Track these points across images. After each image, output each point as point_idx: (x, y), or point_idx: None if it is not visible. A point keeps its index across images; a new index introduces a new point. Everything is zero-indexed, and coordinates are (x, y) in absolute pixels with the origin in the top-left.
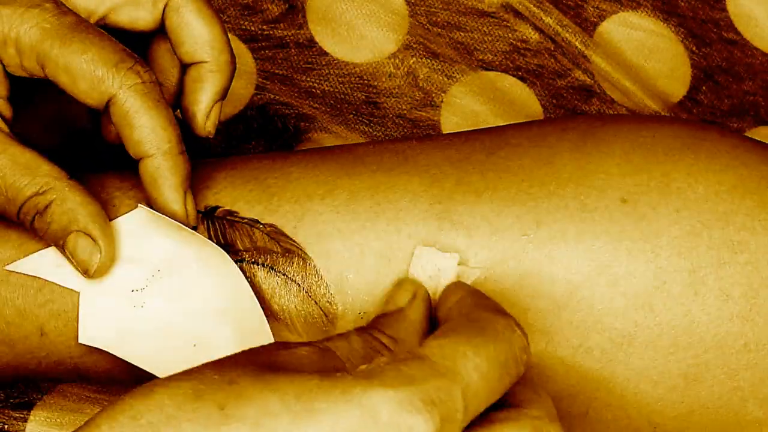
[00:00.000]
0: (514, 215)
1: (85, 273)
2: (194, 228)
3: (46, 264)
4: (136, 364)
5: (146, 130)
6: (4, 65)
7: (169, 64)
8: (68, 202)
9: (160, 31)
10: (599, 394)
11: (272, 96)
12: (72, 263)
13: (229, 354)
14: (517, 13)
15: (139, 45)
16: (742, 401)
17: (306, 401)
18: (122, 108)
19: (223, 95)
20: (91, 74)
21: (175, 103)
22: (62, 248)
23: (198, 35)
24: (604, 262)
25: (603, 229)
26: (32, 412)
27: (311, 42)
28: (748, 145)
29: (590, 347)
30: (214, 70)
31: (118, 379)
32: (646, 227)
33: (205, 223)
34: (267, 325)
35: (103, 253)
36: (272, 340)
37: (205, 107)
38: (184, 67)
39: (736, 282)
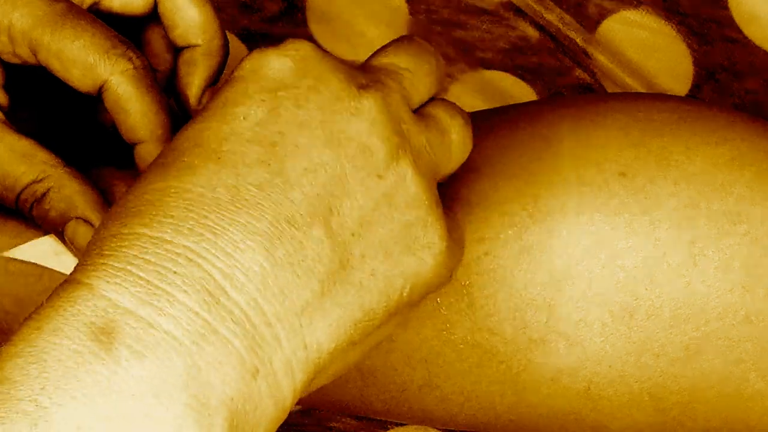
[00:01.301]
0: (513, 190)
1: None
2: None
3: (45, 251)
4: None
5: (139, 116)
6: None
7: (163, 48)
8: (66, 189)
9: (153, 16)
10: (601, 369)
11: None
12: (71, 250)
13: None
14: (518, 11)
15: (133, 30)
16: (743, 373)
17: None
18: (115, 93)
19: (216, 79)
20: (83, 61)
21: (168, 88)
22: (61, 235)
23: (190, 19)
24: (603, 236)
25: (602, 202)
26: None
27: (311, 40)
28: (745, 119)
29: (591, 321)
30: (207, 53)
31: None
32: (644, 200)
33: None
34: None
35: None
36: None
37: (197, 90)
38: (177, 51)
39: (736, 253)
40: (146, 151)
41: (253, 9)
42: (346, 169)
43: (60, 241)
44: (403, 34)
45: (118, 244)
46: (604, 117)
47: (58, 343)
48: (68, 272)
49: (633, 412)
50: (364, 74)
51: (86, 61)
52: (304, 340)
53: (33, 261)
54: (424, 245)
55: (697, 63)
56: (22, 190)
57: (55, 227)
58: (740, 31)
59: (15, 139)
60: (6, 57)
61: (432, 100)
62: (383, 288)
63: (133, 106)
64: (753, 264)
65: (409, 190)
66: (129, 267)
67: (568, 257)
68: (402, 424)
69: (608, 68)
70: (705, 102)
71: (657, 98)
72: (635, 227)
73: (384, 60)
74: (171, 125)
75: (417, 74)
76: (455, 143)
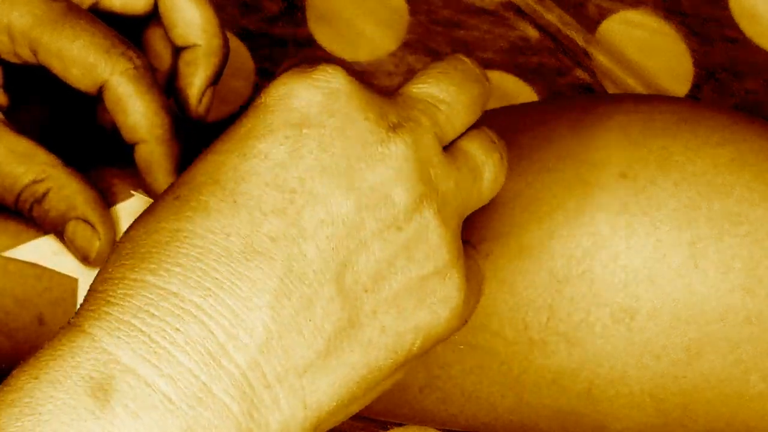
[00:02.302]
0: (513, 191)
1: (85, 260)
2: None
3: (44, 251)
4: None
5: (139, 116)
6: None
7: (163, 48)
8: (66, 189)
9: (153, 16)
10: (602, 371)
11: None
12: (71, 250)
13: None
14: (518, 11)
15: (133, 30)
16: (744, 374)
17: None
18: (115, 93)
19: (216, 79)
20: (83, 60)
21: (168, 88)
22: (61, 235)
23: (191, 18)
24: (604, 236)
25: (602, 203)
26: None
27: (310, 40)
28: (745, 120)
29: (592, 322)
30: (207, 53)
31: None
32: (645, 201)
33: None
34: None
35: (103, 240)
36: None
37: (197, 90)
38: (178, 52)
39: (737, 254)
40: (147, 151)
41: (253, 9)
42: (365, 221)
43: (59, 242)
44: (404, 33)
45: (125, 291)
46: (605, 118)
47: (54, 396)
48: (67, 272)
49: (634, 413)
50: (398, 109)
51: (86, 60)
52: (304, 400)
53: (32, 261)
54: (440, 299)
55: (697, 63)
56: (22, 190)
57: (55, 228)
58: (741, 31)
59: (15, 139)
60: (6, 57)
61: (469, 129)
62: (392, 344)
63: (133, 105)
64: (754, 265)
65: (430, 242)
66: (133, 320)
67: (568, 258)
68: (402, 425)
69: (608, 68)
70: (705, 103)
71: (657, 99)
72: (636, 228)
73: (422, 89)
74: (172, 125)
75: (455, 107)
76: (487, 182)
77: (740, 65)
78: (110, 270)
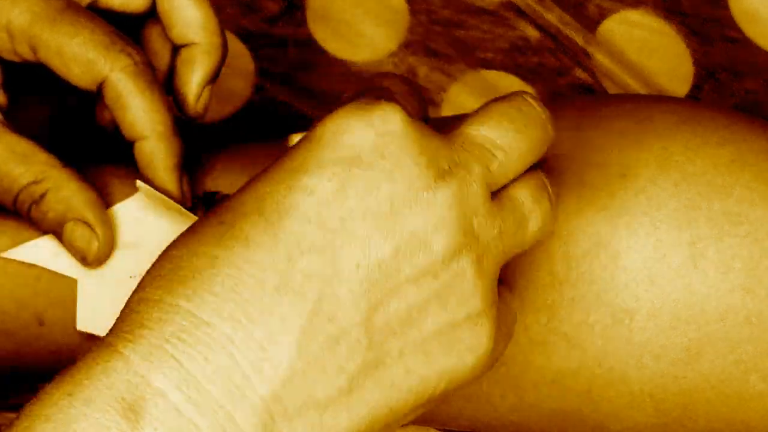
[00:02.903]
0: None
1: (83, 261)
2: (189, 209)
3: (43, 252)
4: None
5: (140, 112)
6: None
7: (161, 46)
8: (64, 190)
9: (152, 14)
10: (601, 371)
11: (271, 95)
12: (70, 251)
13: None
14: (518, 11)
15: (131, 28)
16: (744, 374)
17: None
18: (115, 90)
19: (214, 77)
20: (83, 57)
21: (167, 86)
22: (60, 237)
23: (189, 17)
24: (604, 237)
25: (602, 203)
26: None
27: (310, 40)
28: (745, 120)
29: (592, 323)
30: (206, 51)
31: None
32: (645, 201)
33: (204, 208)
34: None
35: (101, 241)
36: None
37: (196, 87)
38: (176, 50)
39: (737, 254)
40: (147, 148)
41: (253, 9)
42: (402, 267)
43: (58, 242)
44: (404, 33)
45: (160, 315)
46: (605, 118)
47: (89, 415)
48: (65, 273)
49: (634, 413)
50: (451, 153)
51: (86, 57)
52: None
53: (31, 262)
54: (468, 346)
55: (697, 63)
56: (20, 191)
57: (53, 229)
58: (741, 31)
59: (14, 140)
60: (5, 55)
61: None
62: (416, 387)
63: (133, 102)
64: (753, 265)
65: (464, 290)
66: (166, 345)
67: (568, 259)
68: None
69: (608, 68)
70: (705, 103)
71: (657, 99)
72: (636, 228)
73: (481, 132)
74: (172, 122)
75: (512, 155)
76: (532, 230)
77: (740, 65)
78: (147, 289)
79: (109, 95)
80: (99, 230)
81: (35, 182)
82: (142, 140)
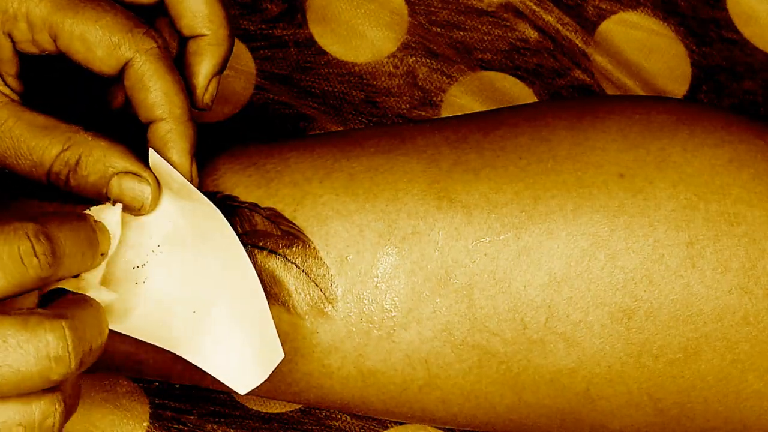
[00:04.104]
0: (512, 192)
1: (141, 210)
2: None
3: (112, 215)
4: (140, 338)
5: (160, 94)
6: (15, 43)
7: (169, 38)
8: (96, 150)
9: (161, 7)
10: (600, 370)
11: (272, 96)
12: (125, 204)
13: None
14: (517, 13)
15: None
16: (741, 374)
17: None
18: (138, 71)
19: (222, 68)
20: (107, 40)
21: None
22: (106, 197)
23: (197, 9)
24: (602, 237)
25: (601, 203)
26: None
27: (311, 41)
28: (742, 121)
29: (590, 322)
30: (213, 43)
31: (117, 365)
32: (643, 201)
33: None
34: (261, 289)
35: (152, 185)
36: (265, 303)
37: (203, 79)
38: (183, 42)
39: (734, 254)
40: (165, 130)
41: (253, 10)
42: None
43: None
44: (403, 35)
45: None
46: (603, 119)
47: None
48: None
49: (632, 413)
50: None
51: (110, 40)
52: None
53: (104, 222)
54: None
55: (695, 64)
56: (53, 162)
57: (98, 190)
58: (738, 32)
59: (33, 116)
60: (24, 46)
61: None
62: None
63: (155, 84)
64: (750, 265)
65: None
66: None
67: (567, 258)
68: (402, 424)
69: (607, 69)
70: (703, 104)
71: (655, 100)
72: (634, 228)
73: None
74: (189, 107)
75: None
76: None
77: (738, 66)
78: None
79: (131, 76)
80: (145, 174)
81: (65, 150)
82: (159, 122)
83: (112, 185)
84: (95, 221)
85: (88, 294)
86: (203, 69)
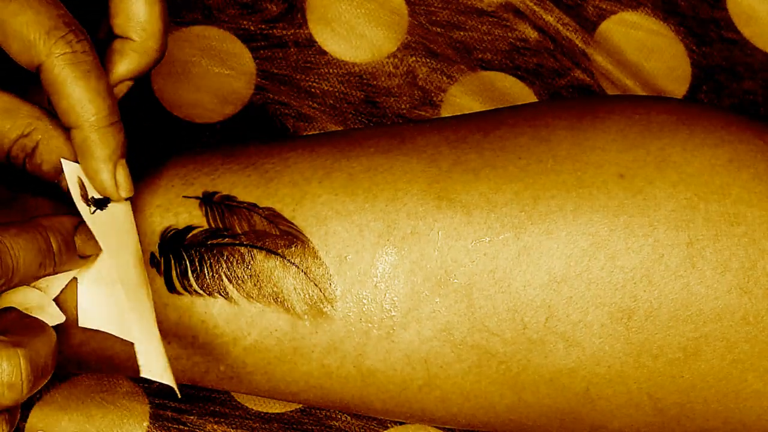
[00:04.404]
0: (512, 192)
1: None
2: (128, 199)
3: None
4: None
5: (73, 101)
6: None
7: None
8: (54, 141)
9: None
10: (599, 370)
11: (271, 96)
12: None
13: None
14: (517, 13)
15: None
16: (741, 374)
17: None
18: (50, 76)
19: (136, 76)
20: (23, 37)
21: None
22: (58, 187)
23: (134, 13)
24: (602, 237)
25: (600, 203)
26: (31, 412)
27: (310, 41)
28: (742, 121)
29: (590, 322)
30: (138, 50)
31: (117, 365)
32: (643, 201)
33: (204, 207)
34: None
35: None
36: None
37: (115, 78)
38: (114, 37)
39: (734, 254)
40: (80, 137)
41: (253, 9)
42: None
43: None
44: (403, 35)
45: None
46: (603, 119)
47: None
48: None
49: (632, 412)
50: None
51: (26, 38)
52: None
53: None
54: None
55: (695, 64)
56: (11, 145)
57: (51, 179)
58: (738, 32)
59: None
60: None
61: None
62: None
63: (66, 90)
64: (750, 265)
65: None
66: None
67: (566, 258)
68: (402, 423)
69: (607, 69)
70: (703, 104)
71: (655, 100)
72: (634, 228)
73: None
74: (111, 112)
75: None
76: None
77: (738, 66)
78: None
79: (44, 80)
80: (105, 167)
81: (24, 135)
82: (74, 129)
83: (61, 179)
84: (79, 228)
85: (42, 314)
86: (119, 69)
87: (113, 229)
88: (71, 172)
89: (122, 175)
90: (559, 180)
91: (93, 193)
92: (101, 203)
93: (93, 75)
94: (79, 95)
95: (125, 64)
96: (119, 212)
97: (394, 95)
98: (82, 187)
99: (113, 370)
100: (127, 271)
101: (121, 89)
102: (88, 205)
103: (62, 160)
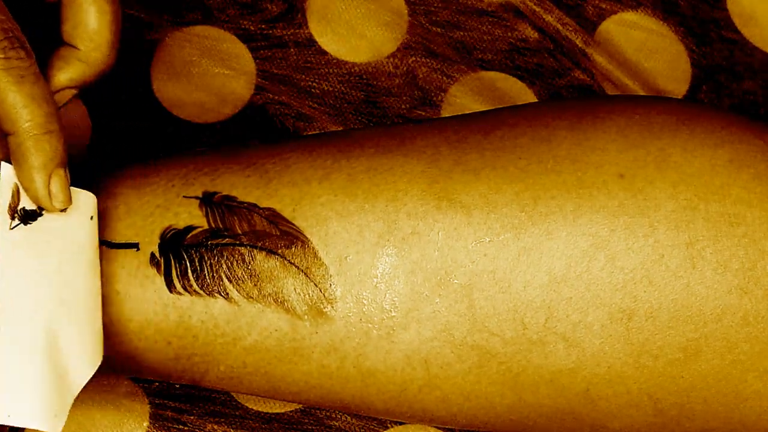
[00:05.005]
0: (512, 192)
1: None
2: (64, 210)
3: None
4: None
5: (5, 107)
6: None
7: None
8: (11, 96)
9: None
10: (599, 370)
11: (271, 96)
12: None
13: None
14: (517, 13)
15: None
16: (741, 374)
17: None
18: None
19: (80, 86)
20: None
21: None
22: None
23: (85, 22)
24: (602, 237)
25: (601, 204)
26: None
27: (310, 41)
28: (742, 121)
29: (590, 323)
30: (82, 60)
31: (117, 365)
32: (643, 202)
33: (204, 208)
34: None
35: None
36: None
37: (56, 85)
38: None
39: (734, 255)
40: (15, 144)
41: (253, 9)
42: None
43: None
44: (403, 35)
45: None
46: (603, 119)
47: None
48: None
49: (632, 413)
50: None
51: None
52: None
53: None
54: None
55: (695, 64)
56: None
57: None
58: (739, 32)
59: None
60: None
61: None
62: None
63: (0, 96)
64: (750, 266)
65: None
66: None
67: (567, 259)
68: (402, 424)
69: (607, 69)
70: (703, 104)
71: (656, 100)
72: (634, 228)
73: None
74: (48, 119)
75: None
76: None
77: (738, 66)
78: None
79: None
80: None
81: None
82: (10, 136)
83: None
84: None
85: None
86: (61, 76)
87: (43, 242)
88: (8, 177)
89: (57, 185)
90: (559, 180)
91: (26, 203)
92: (32, 215)
93: (27, 80)
94: (12, 100)
95: (68, 73)
96: (58, 224)
97: (394, 95)
98: (17, 195)
99: (114, 369)
100: (60, 288)
101: (64, 97)
102: (12, 218)
103: (2, 163)
